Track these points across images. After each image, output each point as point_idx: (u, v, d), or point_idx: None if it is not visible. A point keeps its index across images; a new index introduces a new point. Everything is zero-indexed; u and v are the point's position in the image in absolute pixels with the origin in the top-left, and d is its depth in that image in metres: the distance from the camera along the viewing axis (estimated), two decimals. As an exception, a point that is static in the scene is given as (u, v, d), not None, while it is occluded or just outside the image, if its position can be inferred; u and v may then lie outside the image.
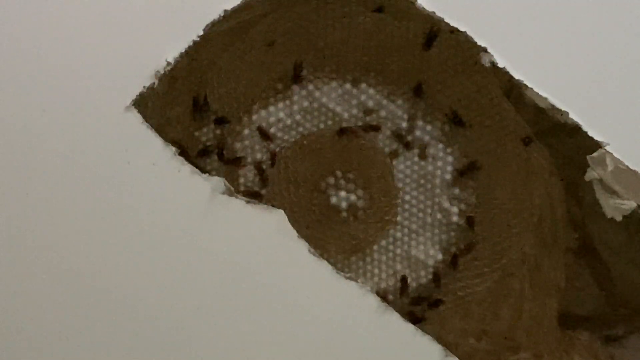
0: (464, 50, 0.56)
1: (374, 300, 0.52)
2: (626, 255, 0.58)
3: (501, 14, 0.56)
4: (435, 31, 0.56)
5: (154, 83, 0.52)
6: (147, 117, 0.52)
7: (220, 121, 0.58)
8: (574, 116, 0.54)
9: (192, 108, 0.57)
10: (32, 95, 0.51)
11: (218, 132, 0.58)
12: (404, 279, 0.59)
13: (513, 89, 0.56)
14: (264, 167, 0.59)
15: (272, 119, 0.59)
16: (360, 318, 0.52)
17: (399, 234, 0.60)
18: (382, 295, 0.56)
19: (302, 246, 0.52)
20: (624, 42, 0.55)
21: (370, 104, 0.60)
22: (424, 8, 0.55)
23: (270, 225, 0.52)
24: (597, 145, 0.54)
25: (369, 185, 0.59)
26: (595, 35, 0.55)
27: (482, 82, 0.57)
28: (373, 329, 0.52)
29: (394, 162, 0.60)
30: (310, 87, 0.59)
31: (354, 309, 0.52)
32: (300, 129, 0.59)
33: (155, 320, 0.51)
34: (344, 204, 0.59)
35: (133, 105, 0.51)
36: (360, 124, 0.60)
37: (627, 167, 0.54)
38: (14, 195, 0.51)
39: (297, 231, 0.52)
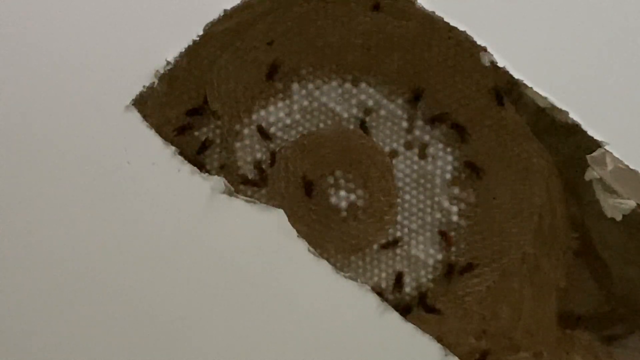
0: (463, 50, 0.56)
1: (374, 300, 0.52)
2: (626, 255, 0.58)
3: (501, 14, 0.56)
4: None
5: (154, 83, 0.52)
6: (147, 117, 0.52)
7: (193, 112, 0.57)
8: (574, 116, 0.54)
9: (192, 108, 0.57)
10: (32, 95, 0.51)
11: (218, 131, 0.58)
12: (399, 275, 0.59)
13: (513, 89, 0.56)
14: (264, 166, 0.59)
15: (272, 119, 0.59)
16: (360, 318, 0.52)
17: (399, 234, 0.60)
18: (382, 295, 0.56)
19: (301, 246, 0.52)
20: (624, 42, 0.55)
21: (370, 103, 0.60)
22: (423, 7, 0.55)
23: (270, 225, 0.52)
24: (596, 144, 0.54)
25: (369, 185, 0.59)
26: (595, 35, 0.55)
27: (482, 82, 0.57)
28: (373, 329, 0.52)
29: (394, 162, 0.60)
30: (310, 86, 0.60)
31: (354, 309, 0.52)
32: (300, 128, 0.59)
33: (155, 320, 0.51)
34: (343, 204, 0.59)
35: (133, 104, 0.52)
36: (359, 123, 0.60)
37: (627, 166, 0.54)
38: (13, 195, 0.51)
39: (297, 231, 0.52)
